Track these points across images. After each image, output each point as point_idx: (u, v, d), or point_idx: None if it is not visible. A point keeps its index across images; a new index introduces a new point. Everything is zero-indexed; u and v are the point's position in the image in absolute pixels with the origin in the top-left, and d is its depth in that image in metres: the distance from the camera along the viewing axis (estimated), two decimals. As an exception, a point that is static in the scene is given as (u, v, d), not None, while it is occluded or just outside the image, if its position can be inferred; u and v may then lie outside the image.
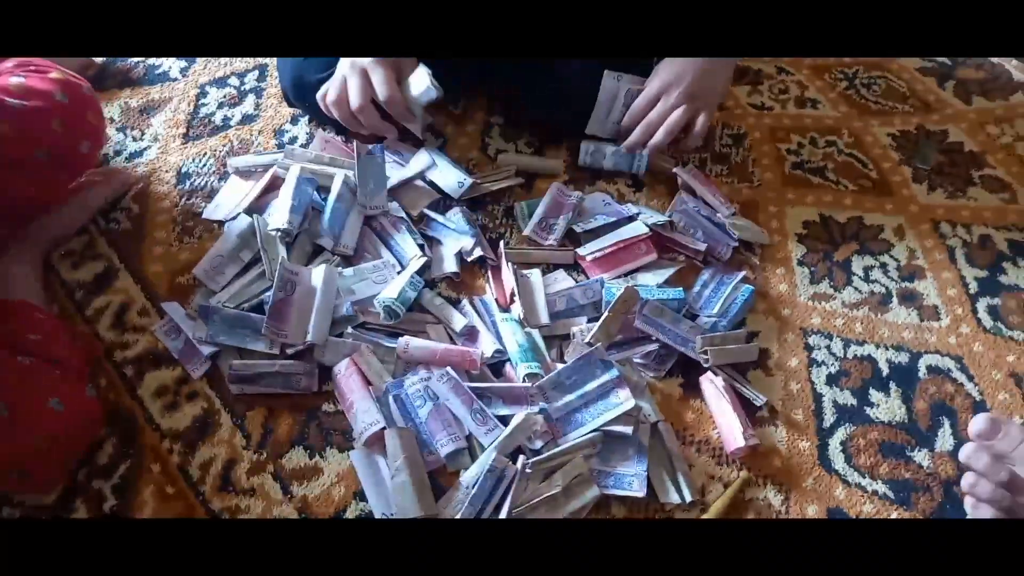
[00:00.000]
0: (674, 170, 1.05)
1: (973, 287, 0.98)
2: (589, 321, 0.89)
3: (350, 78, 0.91)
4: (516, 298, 0.90)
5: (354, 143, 0.98)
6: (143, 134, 1.06)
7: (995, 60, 1.29)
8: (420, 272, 0.91)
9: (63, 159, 0.86)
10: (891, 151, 1.14)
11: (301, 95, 1.03)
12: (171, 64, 1.16)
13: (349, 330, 0.86)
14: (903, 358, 0.91)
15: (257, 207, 0.96)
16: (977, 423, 0.69)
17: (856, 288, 0.97)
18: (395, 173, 1.00)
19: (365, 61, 0.90)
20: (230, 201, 0.97)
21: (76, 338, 0.83)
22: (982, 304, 0.96)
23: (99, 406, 0.78)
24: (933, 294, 0.97)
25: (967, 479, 0.70)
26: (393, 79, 0.90)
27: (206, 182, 1.01)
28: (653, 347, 0.87)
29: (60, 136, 0.84)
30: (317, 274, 0.87)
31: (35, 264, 0.88)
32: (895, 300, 0.96)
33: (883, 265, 0.99)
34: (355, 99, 0.90)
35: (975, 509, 0.69)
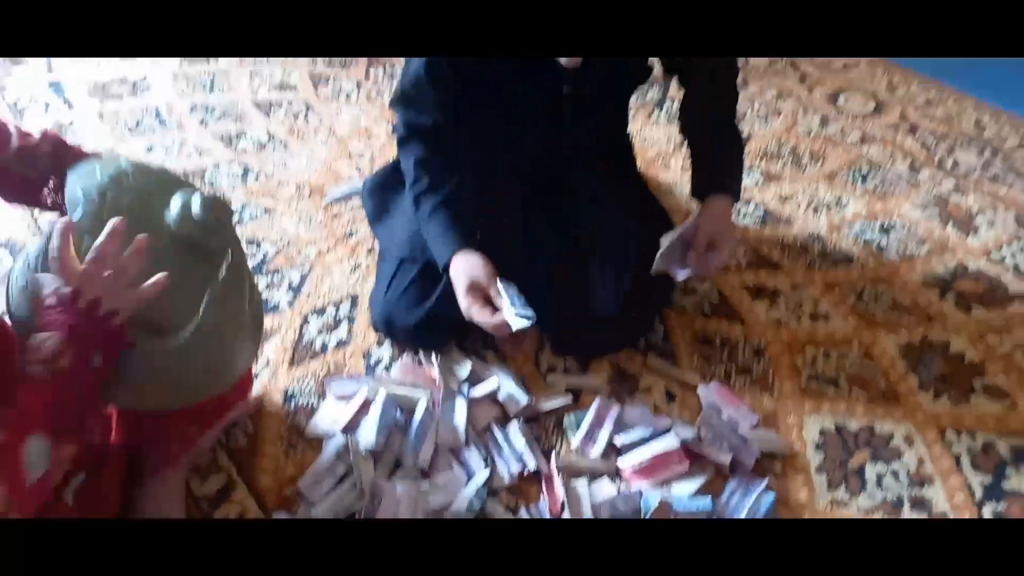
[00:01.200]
0: (698, 389, 1.22)
1: (979, 493, 1.09)
2: (630, 528, 1.03)
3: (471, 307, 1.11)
4: (566, 507, 1.05)
5: (441, 390, 1.19)
6: (256, 360, 1.29)
7: (991, 273, 1.45)
8: (484, 482, 1.08)
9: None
10: (898, 361, 1.28)
11: (388, 330, 1.26)
12: (280, 298, 1.41)
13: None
14: (916, 563, 1.01)
15: (351, 425, 1.15)
16: None
17: (870, 495, 1.09)
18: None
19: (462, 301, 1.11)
20: (328, 420, 1.17)
21: None
22: (987, 510, 1.07)
23: None
24: (941, 500, 1.08)
25: None
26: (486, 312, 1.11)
27: (307, 401, 1.22)
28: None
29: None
30: (400, 488, 1.05)
31: (183, 485, 1.07)
32: (906, 506, 1.07)
33: (894, 472, 1.12)
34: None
35: None
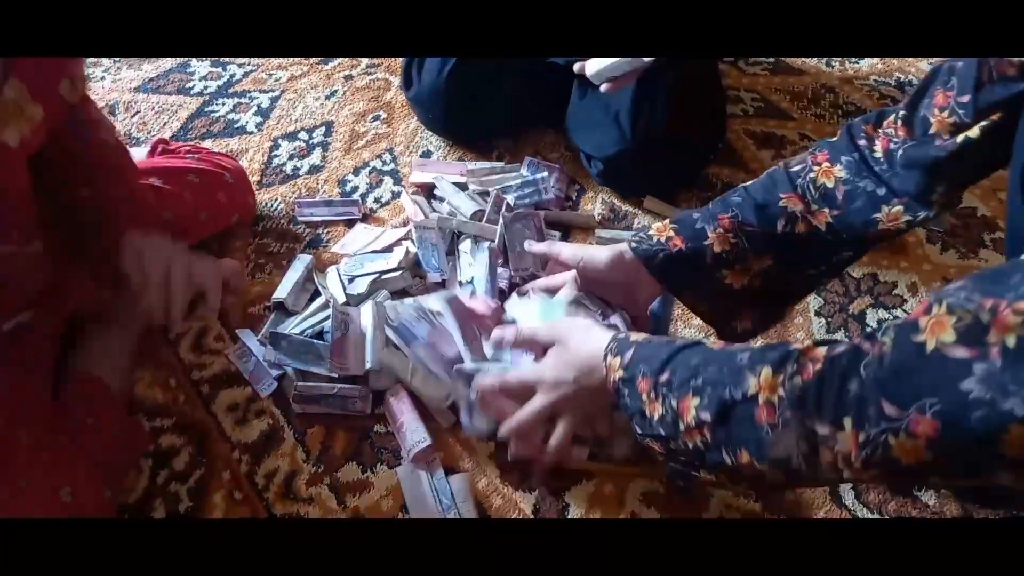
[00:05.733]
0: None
1: (982, 342, 1.04)
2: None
3: None
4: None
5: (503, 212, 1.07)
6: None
7: (1010, 131, 1.37)
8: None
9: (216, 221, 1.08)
10: (907, 213, 1.21)
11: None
12: (248, 119, 1.30)
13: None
14: (913, 405, 0.97)
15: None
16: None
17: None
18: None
19: None
20: (356, 244, 1.09)
21: (125, 431, 0.87)
22: (990, 358, 1.02)
23: (111, 507, 0.82)
24: (943, 347, 1.03)
25: None
26: None
27: (276, 224, 1.13)
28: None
29: (223, 204, 1.06)
30: (366, 312, 0.96)
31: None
32: (907, 351, 1.02)
33: (896, 319, 1.06)
34: None
35: None
